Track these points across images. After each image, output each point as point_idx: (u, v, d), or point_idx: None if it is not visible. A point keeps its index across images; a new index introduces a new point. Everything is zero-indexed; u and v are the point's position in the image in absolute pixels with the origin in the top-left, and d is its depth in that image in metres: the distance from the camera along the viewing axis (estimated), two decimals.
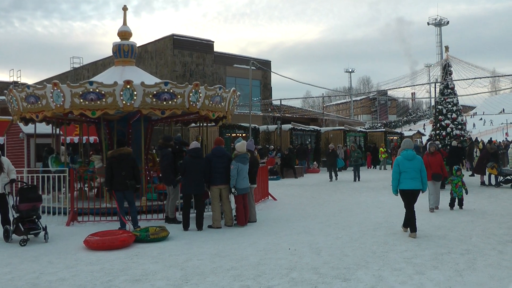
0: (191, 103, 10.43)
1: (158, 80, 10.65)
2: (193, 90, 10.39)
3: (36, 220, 7.86)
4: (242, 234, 8.22)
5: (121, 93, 9.74)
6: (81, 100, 9.78)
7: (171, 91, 10.13)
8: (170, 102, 10.19)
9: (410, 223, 7.74)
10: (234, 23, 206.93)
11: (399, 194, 7.90)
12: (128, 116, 11.10)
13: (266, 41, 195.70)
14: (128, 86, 9.74)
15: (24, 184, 8.61)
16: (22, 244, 7.46)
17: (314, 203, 12.34)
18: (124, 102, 9.80)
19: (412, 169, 7.74)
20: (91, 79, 10.19)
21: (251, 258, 6.39)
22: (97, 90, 9.72)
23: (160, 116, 10.47)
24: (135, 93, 9.82)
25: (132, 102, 9.85)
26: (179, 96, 10.24)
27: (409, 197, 7.80)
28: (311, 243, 7.29)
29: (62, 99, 9.82)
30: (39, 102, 10.31)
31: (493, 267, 5.75)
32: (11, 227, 7.85)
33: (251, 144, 9.99)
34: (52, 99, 9.94)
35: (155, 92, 9.98)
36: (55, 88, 9.83)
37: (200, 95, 10.60)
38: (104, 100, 9.79)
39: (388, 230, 8.27)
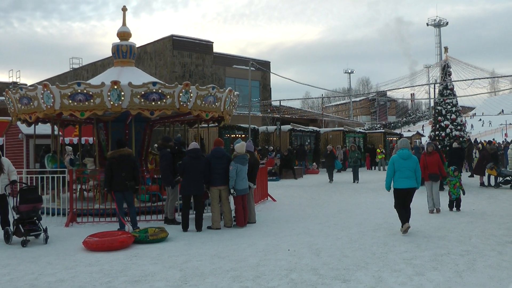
0: (182, 103, 10.30)
1: (146, 80, 10.54)
2: (183, 90, 10.27)
3: (37, 222, 7.83)
4: (242, 235, 8.21)
5: (109, 93, 9.73)
6: (70, 101, 9.80)
7: (160, 91, 10.05)
8: (159, 103, 10.10)
9: (404, 217, 7.86)
10: (234, 24, 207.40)
11: (393, 192, 8.10)
12: (124, 116, 11.06)
13: (265, 41, 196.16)
14: (115, 87, 9.71)
15: (24, 185, 8.59)
16: (24, 246, 7.44)
17: (314, 204, 12.33)
18: (112, 102, 9.77)
19: (407, 168, 7.92)
20: (79, 80, 10.19)
21: (251, 259, 6.39)
22: (85, 91, 9.73)
23: (150, 116, 10.31)
24: (122, 93, 9.78)
25: (120, 102, 9.81)
26: (168, 96, 10.15)
27: (404, 196, 7.96)
28: (311, 244, 7.29)
29: (52, 100, 9.85)
30: (31, 104, 10.36)
31: (492, 268, 5.75)
32: (11, 228, 7.83)
33: (250, 145, 9.99)
34: (42, 100, 9.96)
35: (143, 93, 9.92)
36: (45, 90, 9.86)
37: (191, 95, 10.46)
38: (92, 101, 9.80)
39: (387, 231, 8.27)
